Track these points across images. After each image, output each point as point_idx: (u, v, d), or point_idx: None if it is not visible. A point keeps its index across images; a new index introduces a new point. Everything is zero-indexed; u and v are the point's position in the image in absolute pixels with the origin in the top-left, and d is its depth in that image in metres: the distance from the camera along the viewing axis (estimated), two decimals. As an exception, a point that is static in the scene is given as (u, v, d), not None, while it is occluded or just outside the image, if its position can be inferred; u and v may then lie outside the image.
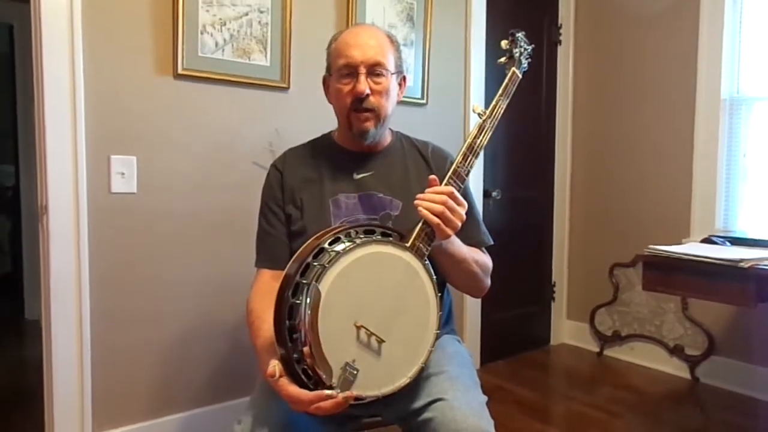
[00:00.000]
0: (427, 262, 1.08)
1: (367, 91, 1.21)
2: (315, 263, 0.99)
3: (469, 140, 1.15)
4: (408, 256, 1.06)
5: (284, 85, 2.07)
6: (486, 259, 1.28)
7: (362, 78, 1.21)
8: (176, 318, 1.93)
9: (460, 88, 2.66)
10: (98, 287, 1.77)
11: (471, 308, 2.77)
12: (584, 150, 3.24)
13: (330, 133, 1.39)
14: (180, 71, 1.85)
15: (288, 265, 1.03)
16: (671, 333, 2.85)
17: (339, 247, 1.01)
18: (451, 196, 1.07)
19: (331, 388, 0.95)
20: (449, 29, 2.60)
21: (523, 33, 1.30)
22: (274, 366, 0.98)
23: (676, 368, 2.83)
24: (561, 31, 3.18)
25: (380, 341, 1.01)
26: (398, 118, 1.37)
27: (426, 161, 1.34)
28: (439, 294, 1.10)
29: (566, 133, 3.26)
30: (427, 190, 1.09)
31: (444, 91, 2.59)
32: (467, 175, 1.14)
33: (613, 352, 3.10)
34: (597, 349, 3.16)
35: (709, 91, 2.67)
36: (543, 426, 2.30)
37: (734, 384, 2.62)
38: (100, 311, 1.78)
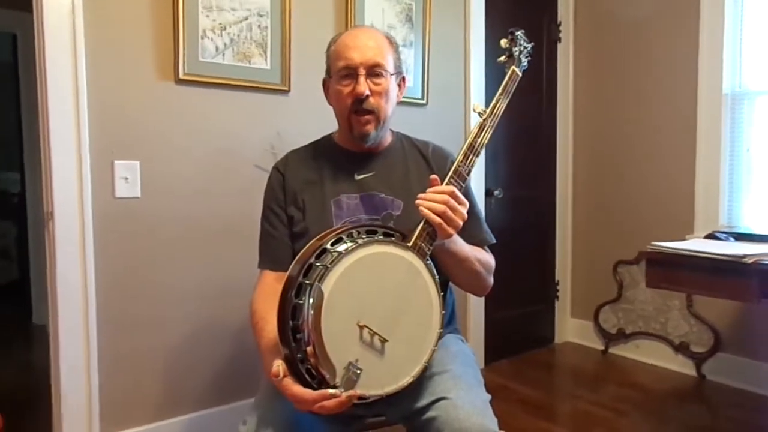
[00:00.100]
0: (430, 261, 1.09)
1: (367, 92, 1.22)
2: (317, 264, 1.00)
3: (469, 139, 1.16)
4: (410, 256, 1.06)
5: (285, 88, 2.08)
6: (489, 258, 1.28)
7: (362, 79, 1.22)
8: (181, 321, 1.94)
9: (460, 87, 2.67)
10: (104, 291, 1.79)
11: (474, 307, 2.77)
12: (586, 147, 3.23)
13: (331, 134, 1.40)
14: (181, 76, 1.86)
15: (291, 266, 1.03)
16: (676, 330, 2.84)
17: (341, 247, 1.01)
18: (452, 195, 1.07)
19: (334, 387, 0.96)
20: (448, 29, 2.60)
21: (523, 31, 1.30)
22: (278, 366, 0.99)
23: (682, 365, 2.82)
24: (560, 28, 3.19)
25: (383, 341, 1.02)
26: (398, 119, 1.37)
27: (427, 161, 1.35)
28: (442, 293, 1.11)
29: (567, 130, 3.26)
30: (428, 189, 1.09)
31: (444, 91, 2.59)
32: (468, 174, 1.15)
33: (618, 350, 3.10)
34: (602, 347, 3.16)
35: (710, 86, 2.66)
36: (548, 425, 2.29)
37: (741, 381, 2.60)
38: (106, 315, 1.79)
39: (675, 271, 1.77)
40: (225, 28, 1.93)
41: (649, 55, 2.90)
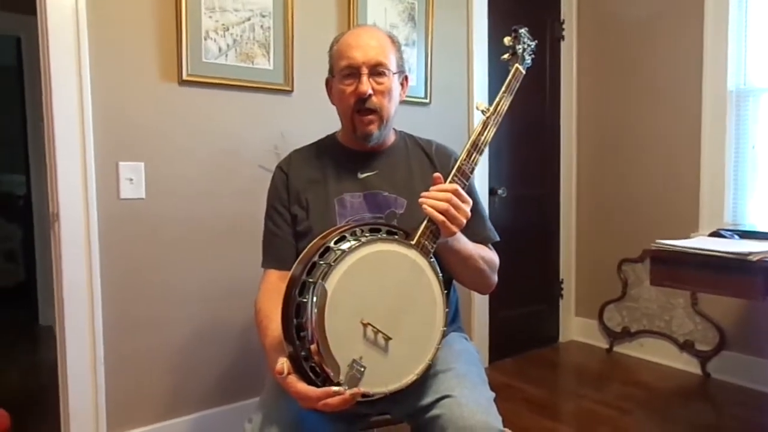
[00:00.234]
0: (433, 259, 1.09)
1: (370, 91, 1.22)
2: (321, 262, 1.00)
3: (473, 137, 1.16)
4: (413, 254, 1.07)
5: (288, 88, 2.09)
6: (492, 256, 1.28)
7: (364, 78, 1.22)
8: (185, 321, 1.95)
9: (462, 86, 2.67)
10: (109, 292, 1.79)
11: (479, 306, 2.77)
12: (590, 145, 3.23)
13: (334, 133, 1.40)
14: (184, 77, 1.87)
15: (294, 265, 1.04)
16: (681, 328, 2.84)
17: (345, 245, 1.02)
18: (455, 193, 1.07)
19: (338, 385, 0.97)
20: (451, 28, 2.60)
21: (526, 29, 1.30)
22: (283, 363, 0.99)
23: (687, 364, 2.81)
24: (564, 26, 3.18)
25: (387, 339, 1.02)
26: (401, 118, 1.38)
27: (430, 159, 1.35)
28: (446, 291, 1.11)
29: (571, 128, 3.26)
30: (431, 187, 1.09)
31: (447, 90, 2.59)
32: (472, 172, 1.15)
33: (623, 349, 3.09)
34: (606, 346, 3.15)
35: (715, 83, 2.65)
36: (552, 423, 2.29)
37: (746, 379, 2.60)
38: (112, 316, 1.80)
39: (679, 269, 1.77)
40: (228, 29, 1.93)
41: (653, 53, 2.89)
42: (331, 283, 0.98)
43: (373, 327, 1.01)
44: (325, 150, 1.37)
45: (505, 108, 1.21)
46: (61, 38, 1.67)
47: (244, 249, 1.96)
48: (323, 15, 2.19)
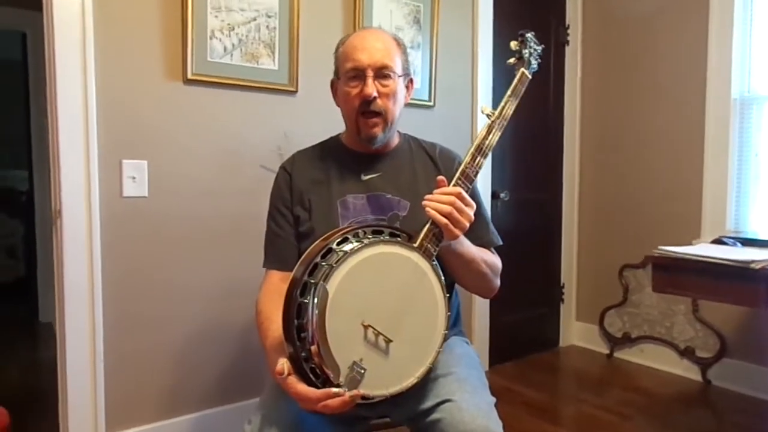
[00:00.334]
0: (436, 262, 1.09)
1: (375, 93, 1.22)
2: (323, 263, 1.00)
3: (477, 141, 1.16)
4: (416, 257, 1.06)
5: (292, 89, 2.09)
6: (495, 260, 1.28)
7: (370, 81, 1.22)
8: (187, 320, 1.95)
9: (467, 89, 2.67)
10: (111, 290, 1.79)
11: (479, 310, 2.77)
12: (593, 150, 3.23)
13: (338, 135, 1.40)
14: (189, 76, 1.87)
15: (296, 266, 1.04)
16: (682, 335, 2.83)
17: (347, 247, 1.02)
18: (458, 196, 1.07)
19: (338, 386, 0.96)
20: (456, 31, 2.60)
21: (533, 33, 1.30)
22: (283, 364, 0.99)
23: (687, 370, 2.81)
24: (569, 31, 3.18)
25: (388, 341, 1.02)
26: (405, 121, 1.37)
27: (434, 162, 1.35)
28: (448, 295, 1.11)
29: (574, 133, 3.25)
30: (435, 190, 1.09)
31: (451, 93, 2.59)
32: (476, 175, 1.14)
33: (623, 354, 3.08)
34: (607, 351, 3.15)
35: (719, 90, 2.65)
36: (552, 428, 2.29)
37: (746, 386, 2.59)
38: (113, 314, 1.80)
39: (682, 276, 1.76)
40: (233, 29, 1.93)
41: (658, 60, 2.89)
42: (333, 285, 0.97)
43: (374, 329, 1.01)
44: (329, 151, 1.36)
45: (511, 112, 1.20)
46: (67, 35, 1.68)
47: (246, 249, 1.96)
48: (329, 16, 2.19)
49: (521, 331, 3.11)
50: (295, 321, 0.98)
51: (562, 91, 3.20)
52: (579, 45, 3.22)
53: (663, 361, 2.90)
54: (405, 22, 2.37)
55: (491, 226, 1.34)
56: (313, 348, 0.96)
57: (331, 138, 1.41)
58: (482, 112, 1.19)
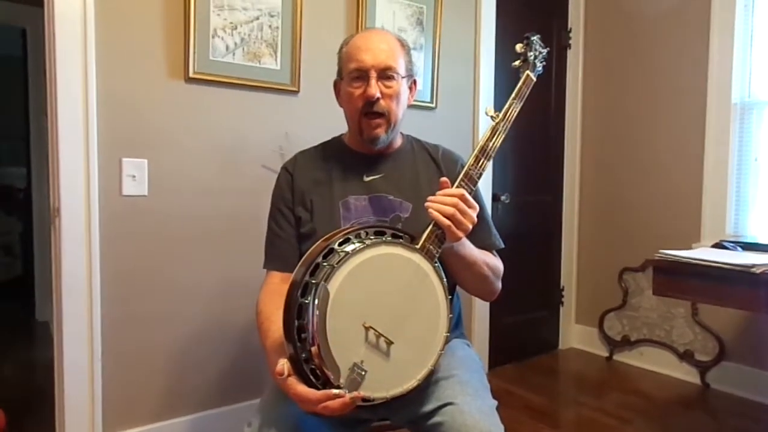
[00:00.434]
0: (438, 264, 1.08)
1: (378, 94, 1.22)
2: (324, 263, 0.99)
3: (481, 143, 1.15)
4: (418, 258, 1.06)
5: (294, 89, 2.08)
6: (497, 262, 1.28)
7: (373, 82, 1.22)
8: (186, 320, 1.94)
9: (469, 92, 2.66)
10: (109, 289, 1.78)
11: (479, 312, 2.76)
12: (593, 154, 3.23)
13: (341, 135, 1.40)
14: (191, 75, 1.86)
15: (298, 265, 1.03)
16: (681, 338, 2.83)
17: (349, 247, 1.01)
18: (462, 198, 1.06)
19: (338, 388, 0.96)
20: (459, 33, 2.60)
21: (539, 36, 1.30)
22: (283, 364, 0.98)
23: (686, 374, 2.80)
24: (570, 35, 3.18)
25: (389, 343, 1.01)
26: (407, 122, 1.37)
27: (436, 164, 1.34)
28: (449, 297, 1.10)
29: (575, 137, 3.25)
30: (438, 192, 1.09)
31: (453, 95, 2.59)
32: (479, 178, 1.14)
33: (623, 357, 3.08)
34: (606, 354, 3.14)
35: (719, 95, 2.65)
36: (552, 431, 2.28)
37: (745, 390, 2.59)
38: (111, 313, 1.79)
39: (682, 280, 1.76)
40: (236, 28, 1.93)
41: (660, 64, 2.89)
42: (334, 285, 0.97)
43: (375, 330, 1.00)
44: (331, 152, 1.36)
45: (515, 114, 1.20)
46: (68, 31, 1.67)
47: (246, 249, 1.95)
48: (332, 17, 2.18)
49: (521, 333, 3.11)
50: (296, 321, 0.97)
51: (564, 95, 3.20)
52: (581, 48, 3.22)
53: (662, 364, 2.90)
54: (408, 23, 2.36)
55: (493, 229, 1.34)
56: (314, 349, 0.95)
57: (334, 138, 1.40)
58: (486, 114, 1.19)
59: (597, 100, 3.19)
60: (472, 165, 1.13)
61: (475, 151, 1.14)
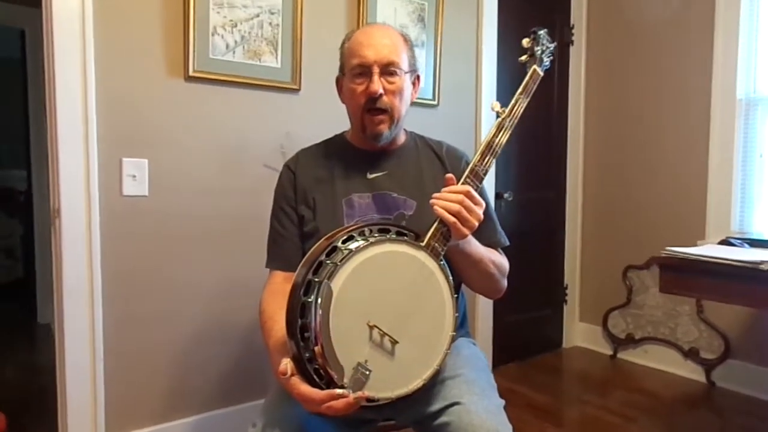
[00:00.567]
0: (443, 262, 1.07)
1: (381, 90, 1.20)
2: (328, 261, 0.98)
3: (487, 139, 1.13)
4: (423, 256, 1.04)
5: (295, 87, 2.07)
6: (503, 260, 1.26)
7: (375, 78, 1.20)
8: (188, 321, 1.92)
9: (471, 89, 2.64)
10: (110, 290, 1.77)
11: (483, 310, 2.75)
12: (597, 151, 3.21)
13: (343, 133, 1.38)
14: (191, 73, 1.85)
15: (301, 263, 1.01)
16: (686, 336, 2.81)
17: (352, 245, 0.99)
18: (468, 195, 1.05)
19: (342, 388, 0.94)
20: (461, 30, 2.58)
21: (546, 30, 1.28)
22: (286, 364, 0.97)
23: (691, 372, 2.79)
24: (573, 31, 3.16)
25: (394, 342, 1.00)
26: (409, 120, 1.35)
27: (440, 160, 1.33)
28: (456, 295, 1.08)
29: (578, 134, 3.24)
30: (443, 189, 1.07)
31: (455, 92, 2.57)
32: (485, 174, 1.12)
33: (627, 355, 3.07)
34: (610, 352, 3.13)
35: (724, 91, 2.63)
36: (556, 430, 2.27)
37: (751, 388, 2.58)
38: (113, 314, 1.78)
39: (689, 277, 1.74)
40: (236, 25, 1.91)
41: (663, 60, 2.88)
42: (337, 283, 0.95)
43: (380, 329, 0.99)
44: (333, 149, 1.34)
45: (522, 110, 1.18)
46: (66, 30, 1.65)
47: (248, 248, 1.94)
48: (333, 14, 2.17)
49: (524, 332, 3.10)
50: (299, 320, 0.96)
51: (566, 92, 3.18)
52: (583, 45, 3.21)
53: (667, 362, 2.89)
54: (409, 20, 2.35)
55: (499, 226, 1.32)
56: (317, 348, 0.94)
57: (336, 136, 1.39)
58: (492, 109, 1.17)
59: (600, 97, 3.17)
60: (478, 161, 1.11)
61: (481, 148, 1.13)
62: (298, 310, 0.96)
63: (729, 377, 2.65)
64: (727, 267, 1.63)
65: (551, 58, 1.28)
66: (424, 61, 2.41)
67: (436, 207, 1.04)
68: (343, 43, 1.29)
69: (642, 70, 2.96)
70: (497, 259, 1.23)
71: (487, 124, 2.65)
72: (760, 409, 2.46)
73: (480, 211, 1.06)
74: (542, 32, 1.27)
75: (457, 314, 1.08)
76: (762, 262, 1.57)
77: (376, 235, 1.03)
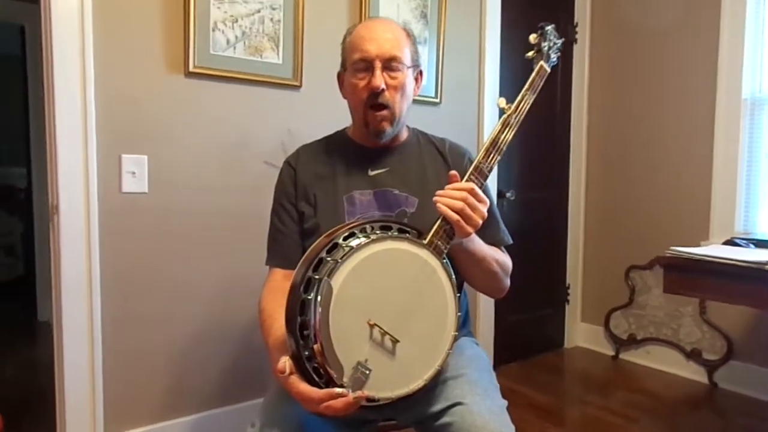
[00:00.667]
0: (446, 260, 1.05)
1: (383, 86, 1.18)
2: (328, 258, 0.96)
3: (492, 135, 1.11)
4: (425, 254, 1.02)
5: (296, 84, 2.05)
6: (506, 259, 1.24)
7: (378, 73, 1.18)
8: (188, 319, 1.91)
9: (474, 86, 2.62)
10: (109, 288, 1.76)
11: (484, 310, 2.73)
12: (600, 150, 3.19)
13: (344, 129, 1.36)
14: (191, 69, 1.83)
15: (301, 259, 1.00)
16: (689, 337, 2.80)
17: (354, 242, 0.98)
18: (471, 192, 1.03)
19: (342, 387, 0.92)
20: (463, 27, 2.56)
21: (553, 26, 1.26)
22: (285, 362, 0.95)
23: (694, 373, 2.77)
24: (577, 29, 3.14)
25: (394, 341, 0.98)
26: (411, 118, 1.34)
27: (443, 157, 1.31)
28: (458, 294, 1.07)
29: (581, 132, 3.22)
30: (447, 186, 1.05)
31: (458, 89, 2.55)
32: (489, 172, 1.10)
33: (629, 356, 3.05)
34: (612, 353, 3.11)
35: (730, 90, 2.61)
36: (557, 430, 2.26)
37: (754, 389, 2.56)
38: (111, 312, 1.76)
39: (694, 277, 1.72)
40: (237, 21, 1.89)
41: (668, 59, 2.86)
42: (338, 281, 0.94)
43: (381, 328, 0.97)
44: (334, 145, 1.33)
45: (528, 107, 1.16)
46: (65, 25, 1.64)
47: (248, 246, 1.93)
48: (335, 10, 2.15)
49: (526, 331, 3.08)
50: (299, 318, 0.94)
51: (569, 90, 3.16)
52: (587, 43, 3.19)
53: (669, 363, 2.87)
54: (412, 16, 2.33)
55: (502, 225, 1.31)
56: (316, 346, 0.92)
57: (337, 132, 1.37)
58: (498, 105, 1.15)
59: (603, 96, 3.15)
60: (483, 159, 1.09)
61: (486, 145, 1.11)
62: (297, 308, 0.94)
63: (731, 378, 2.64)
64: (733, 267, 1.62)
65: (558, 54, 1.26)
66: (426, 59, 2.39)
67: (439, 204, 1.02)
68: (345, 37, 1.27)
69: (646, 69, 2.94)
70: (501, 258, 1.21)
71: (490, 123, 2.64)
72: (762, 410, 2.44)
73: (484, 209, 1.04)
74: (550, 28, 1.25)
75: (459, 313, 1.07)
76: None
77: (378, 232, 1.01)
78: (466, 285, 1.27)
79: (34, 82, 3.46)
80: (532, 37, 1.24)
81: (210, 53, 1.86)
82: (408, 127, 1.35)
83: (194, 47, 1.82)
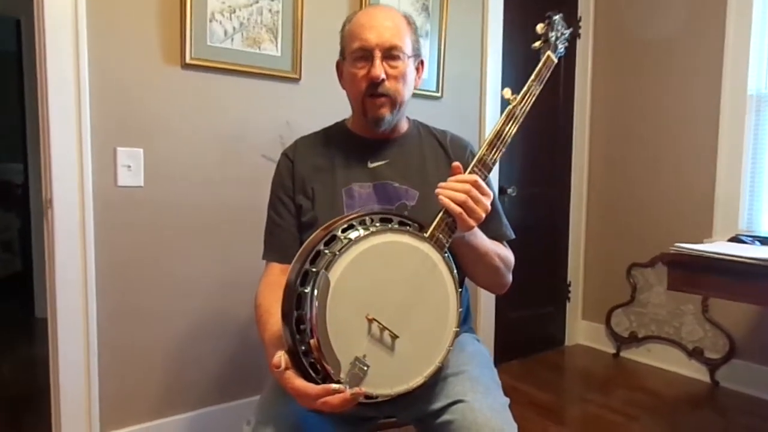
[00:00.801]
0: (448, 254, 1.02)
1: (383, 75, 1.15)
2: (326, 251, 0.93)
3: (497, 127, 1.08)
4: (426, 247, 1.00)
5: (295, 76, 2.02)
6: (508, 254, 1.22)
7: (377, 62, 1.15)
8: (184, 315, 1.89)
9: (476, 80, 2.60)
10: (104, 282, 1.73)
11: (485, 307, 2.71)
12: (602, 146, 3.16)
13: (344, 120, 1.33)
14: (188, 61, 1.80)
15: (299, 252, 0.97)
16: (690, 335, 2.77)
17: (352, 234, 0.95)
18: (475, 185, 1.00)
19: (339, 383, 0.90)
20: (465, 20, 2.53)
21: (561, 15, 1.23)
22: (280, 356, 0.92)
23: (695, 371, 2.76)
24: (580, 24, 3.11)
25: (394, 337, 0.96)
26: (413, 112, 1.31)
27: (444, 150, 1.28)
28: (460, 289, 1.04)
29: (584, 128, 3.19)
30: (449, 178, 1.02)
31: (460, 83, 2.52)
32: (493, 164, 1.07)
33: (630, 354, 3.03)
34: (613, 351, 3.10)
35: (735, 86, 2.58)
36: (558, 428, 2.24)
37: (755, 388, 2.54)
38: (107, 307, 1.74)
39: (699, 274, 1.69)
40: (234, 11, 1.86)
41: (672, 54, 2.83)
42: (335, 274, 0.91)
43: (380, 323, 0.94)
44: (333, 137, 1.30)
45: (534, 98, 1.13)
46: (59, 16, 1.61)
47: (245, 240, 1.91)
48: (334, 2, 2.12)
49: (527, 329, 3.06)
50: (295, 312, 0.91)
51: (572, 85, 3.14)
52: (590, 38, 3.16)
53: (671, 361, 2.85)
54: (413, 9, 2.30)
55: (504, 219, 1.28)
56: (313, 341, 0.89)
57: (336, 123, 1.34)
58: (503, 97, 1.11)
59: (607, 91, 3.12)
60: (487, 151, 1.06)
61: (490, 137, 1.07)
62: (293, 301, 0.92)
63: (733, 377, 2.62)
64: (738, 264, 1.59)
65: (566, 44, 1.23)
66: (428, 52, 2.36)
67: (441, 196, 0.99)
68: (344, 25, 1.24)
69: (650, 65, 2.91)
70: (503, 253, 1.18)
71: (493, 118, 2.61)
72: (763, 409, 2.43)
73: (487, 202, 1.01)
74: (557, 17, 1.22)
75: (460, 309, 1.04)
76: (775, 259, 1.53)
77: (378, 224, 0.99)
78: (467, 280, 1.24)
79: (30, 77, 3.44)
80: (539, 27, 1.21)
81: (207, 45, 1.83)
82: (408, 118, 1.32)
83: (191, 38, 1.79)
